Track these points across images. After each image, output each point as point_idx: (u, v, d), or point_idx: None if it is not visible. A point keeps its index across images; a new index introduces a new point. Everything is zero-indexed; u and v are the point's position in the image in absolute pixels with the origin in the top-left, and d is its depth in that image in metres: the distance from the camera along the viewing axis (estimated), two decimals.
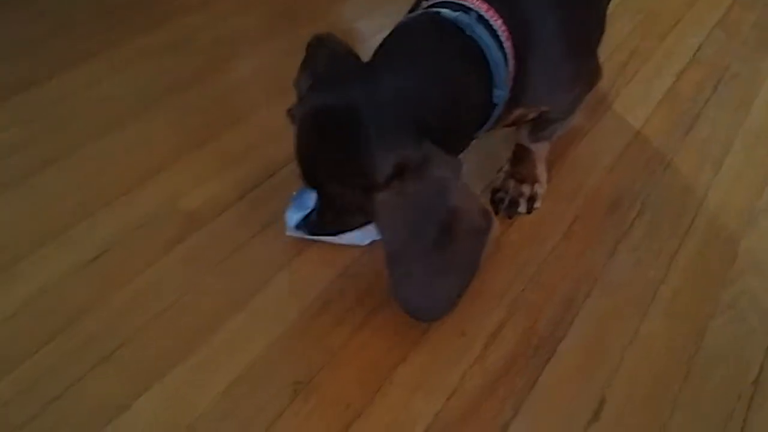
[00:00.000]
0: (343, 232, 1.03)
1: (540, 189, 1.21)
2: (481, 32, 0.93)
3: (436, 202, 0.86)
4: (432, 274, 0.91)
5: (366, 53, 0.96)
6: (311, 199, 1.05)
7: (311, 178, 0.93)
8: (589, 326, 1.01)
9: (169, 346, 0.97)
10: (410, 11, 1.07)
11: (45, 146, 1.34)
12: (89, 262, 1.10)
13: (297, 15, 1.82)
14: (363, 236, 1.09)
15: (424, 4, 1.01)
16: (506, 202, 1.19)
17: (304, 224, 1.04)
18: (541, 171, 1.22)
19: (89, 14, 1.74)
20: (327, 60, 0.94)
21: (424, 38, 0.94)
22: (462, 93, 0.93)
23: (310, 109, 0.90)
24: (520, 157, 1.22)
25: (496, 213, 1.19)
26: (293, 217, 1.09)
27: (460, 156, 0.93)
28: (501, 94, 0.97)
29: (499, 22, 0.95)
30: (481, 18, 0.94)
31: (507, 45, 0.96)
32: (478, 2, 0.95)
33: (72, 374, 0.94)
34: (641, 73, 1.60)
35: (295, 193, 1.12)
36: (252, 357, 0.96)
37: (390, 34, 0.97)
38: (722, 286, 1.08)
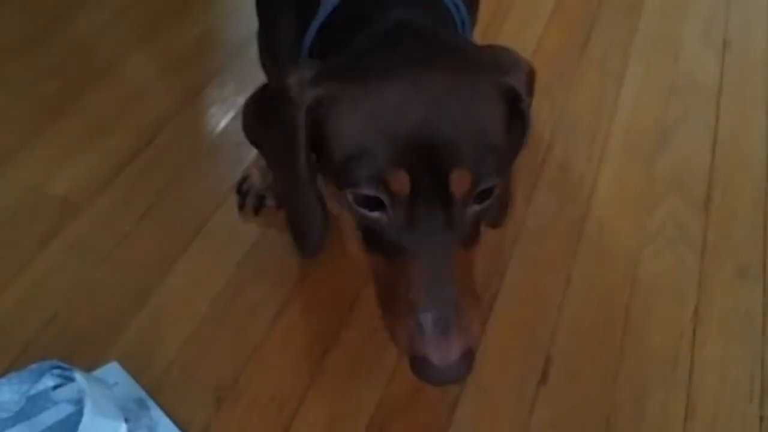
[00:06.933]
0: None
1: None
2: None
3: None
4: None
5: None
6: None
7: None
8: (522, 277, 0.96)
9: (69, 356, 0.84)
10: None
11: None
12: None
13: None
14: None
15: None
16: None
17: None
18: None
19: None
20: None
21: None
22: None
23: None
24: None
25: None
26: None
27: None
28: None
29: None
30: None
31: None
32: None
33: None
34: None
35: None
36: (165, 362, 0.86)
37: None
38: (647, 212, 1.05)
